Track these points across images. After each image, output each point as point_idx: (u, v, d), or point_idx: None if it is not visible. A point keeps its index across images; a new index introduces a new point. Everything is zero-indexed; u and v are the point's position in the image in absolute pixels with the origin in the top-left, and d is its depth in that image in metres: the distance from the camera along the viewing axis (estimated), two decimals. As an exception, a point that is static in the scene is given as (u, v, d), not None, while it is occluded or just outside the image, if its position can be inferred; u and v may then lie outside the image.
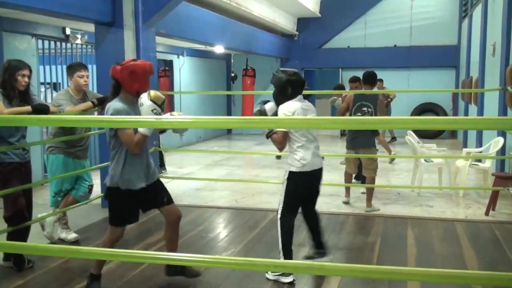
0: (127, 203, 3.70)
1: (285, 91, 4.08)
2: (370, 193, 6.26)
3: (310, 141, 4.07)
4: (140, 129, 3.49)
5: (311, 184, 4.15)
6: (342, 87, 9.82)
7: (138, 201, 3.74)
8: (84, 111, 4.86)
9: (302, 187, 4.10)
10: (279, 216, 4.09)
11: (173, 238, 3.87)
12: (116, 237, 3.76)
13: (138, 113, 3.59)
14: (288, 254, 4.03)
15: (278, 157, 10.09)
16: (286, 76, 4.08)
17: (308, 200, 4.26)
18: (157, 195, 3.80)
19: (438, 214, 6.14)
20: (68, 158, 4.94)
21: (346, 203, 6.53)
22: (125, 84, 3.58)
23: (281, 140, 4.02)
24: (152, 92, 3.56)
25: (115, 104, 3.55)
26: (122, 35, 6.12)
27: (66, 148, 4.92)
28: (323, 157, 4.36)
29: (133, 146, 3.53)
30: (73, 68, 4.95)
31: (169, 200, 3.84)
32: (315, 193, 4.25)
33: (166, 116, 3.47)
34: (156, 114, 3.50)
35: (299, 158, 4.04)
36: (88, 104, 4.89)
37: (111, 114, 3.49)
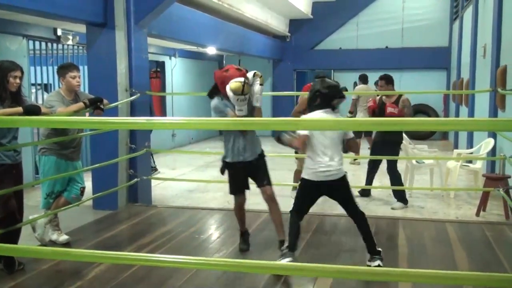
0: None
1: (313, 100, 4.15)
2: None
3: (324, 149, 4.06)
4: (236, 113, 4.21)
5: (319, 193, 4.21)
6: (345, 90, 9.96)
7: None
8: (76, 112, 4.83)
9: (308, 195, 4.21)
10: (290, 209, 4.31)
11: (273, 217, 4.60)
12: (239, 203, 4.70)
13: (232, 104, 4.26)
14: (291, 246, 4.17)
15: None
16: (318, 87, 4.14)
17: (341, 205, 4.31)
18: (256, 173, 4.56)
19: (429, 215, 6.16)
20: (61, 159, 4.91)
21: None
22: (220, 88, 4.36)
23: (299, 144, 4.12)
24: (232, 84, 4.15)
25: (213, 101, 4.37)
26: (114, 36, 6.11)
27: (59, 150, 4.89)
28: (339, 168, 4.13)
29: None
30: (65, 69, 4.92)
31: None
32: (340, 199, 4.26)
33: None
34: (241, 101, 4.14)
35: (307, 166, 4.13)
36: (80, 105, 4.86)
37: (212, 109, 4.33)
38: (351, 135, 4.19)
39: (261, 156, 4.55)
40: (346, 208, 4.31)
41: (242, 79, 4.18)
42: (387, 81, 6.57)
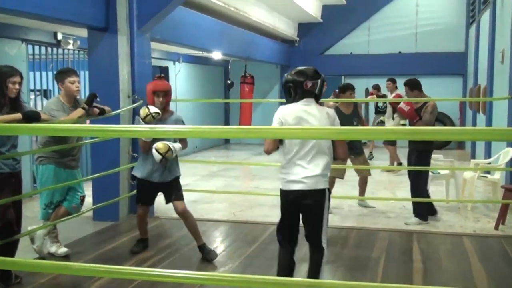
0: None
1: (288, 95, 3.80)
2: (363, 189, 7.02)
3: (300, 155, 3.63)
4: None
5: (293, 207, 3.72)
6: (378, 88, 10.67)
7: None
8: (80, 118, 4.86)
9: (284, 208, 3.78)
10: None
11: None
12: (141, 214, 5.20)
13: None
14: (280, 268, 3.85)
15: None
16: (287, 76, 3.81)
17: (305, 226, 3.79)
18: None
19: (445, 228, 6.13)
20: (60, 168, 4.93)
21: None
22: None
23: (266, 143, 3.71)
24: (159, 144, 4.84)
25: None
26: (116, 41, 6.15)
27: (57, 158, 4.91)
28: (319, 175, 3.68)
29: None
30: (63, 74, 4.95)
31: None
32: (305, 219, 3.75)
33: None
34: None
35: (281, 175, 3.73)
36: (80, 111, 4.89)
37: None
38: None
39: (175, 178, 5.03)
40: (309, 233, 3.74)
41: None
42: (411, 86, 6.28)
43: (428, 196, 6.39)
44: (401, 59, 14.11)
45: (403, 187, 8.52)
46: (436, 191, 7.78)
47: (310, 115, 3.69)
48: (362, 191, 7.04)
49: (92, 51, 6.34)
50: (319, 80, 3.80)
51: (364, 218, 6.58)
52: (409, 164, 6.31)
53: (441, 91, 13.48)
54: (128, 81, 6.36)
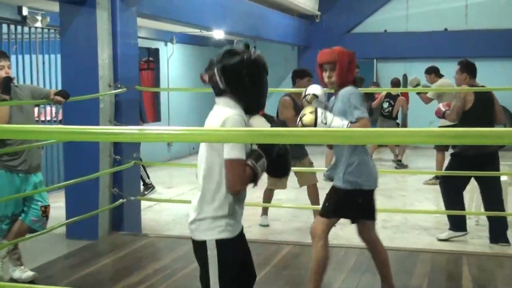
0: None
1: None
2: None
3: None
4: None
5: None
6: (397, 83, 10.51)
7: None
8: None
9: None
10: None
11: None
12: None
13: None
14: None
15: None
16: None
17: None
18: None
19: (502, 249, 6.08)
20: (12, 173, 4.91)
21: None
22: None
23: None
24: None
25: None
26: (95, 17, 6.15)
27: (7, 161, 4.89)
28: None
29: None
30: None
31: None
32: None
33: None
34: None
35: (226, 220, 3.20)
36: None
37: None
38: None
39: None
40: None
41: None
42: (463, 68, 6.47)
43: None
44: (448, 38, 14.03)
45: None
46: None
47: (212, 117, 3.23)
48: (316, 202, 6.74)
49: (65, 30, 6.35)
50: (216, 69, 3.16)
51: (399, 236, 6.54)
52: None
53: (498, 78, 13.35)
54: (110, 66, 6.36)
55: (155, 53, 12.19)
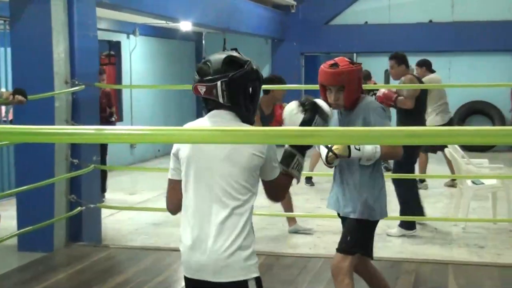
0: None
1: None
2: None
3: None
4: None
5: None
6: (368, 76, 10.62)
7: None
8: None
9: None
10: None
11: None
12: None
13: None
14: None
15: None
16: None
17: None
18: None
19: (492, 257, 6.16)
20: None
21: None
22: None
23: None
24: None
25: None
26: (49, 6, 6.10)
27: None
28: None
29: None
30: None
31: None
32: None
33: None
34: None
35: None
36: None
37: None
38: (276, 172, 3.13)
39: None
40: None
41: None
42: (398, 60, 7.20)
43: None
44: (433, 31, 14.15)
45: (432, 202, 8.55)
46: (478, 207, 7.81)
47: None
48: (289, 209, 6.88)
49: (15, 21, 6.29)
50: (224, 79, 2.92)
51: (382, 245, 6.59)
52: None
53: (485, 73, 13.53)
54: (66, 60, 6.31)
55: (116, 46, 12.13)
